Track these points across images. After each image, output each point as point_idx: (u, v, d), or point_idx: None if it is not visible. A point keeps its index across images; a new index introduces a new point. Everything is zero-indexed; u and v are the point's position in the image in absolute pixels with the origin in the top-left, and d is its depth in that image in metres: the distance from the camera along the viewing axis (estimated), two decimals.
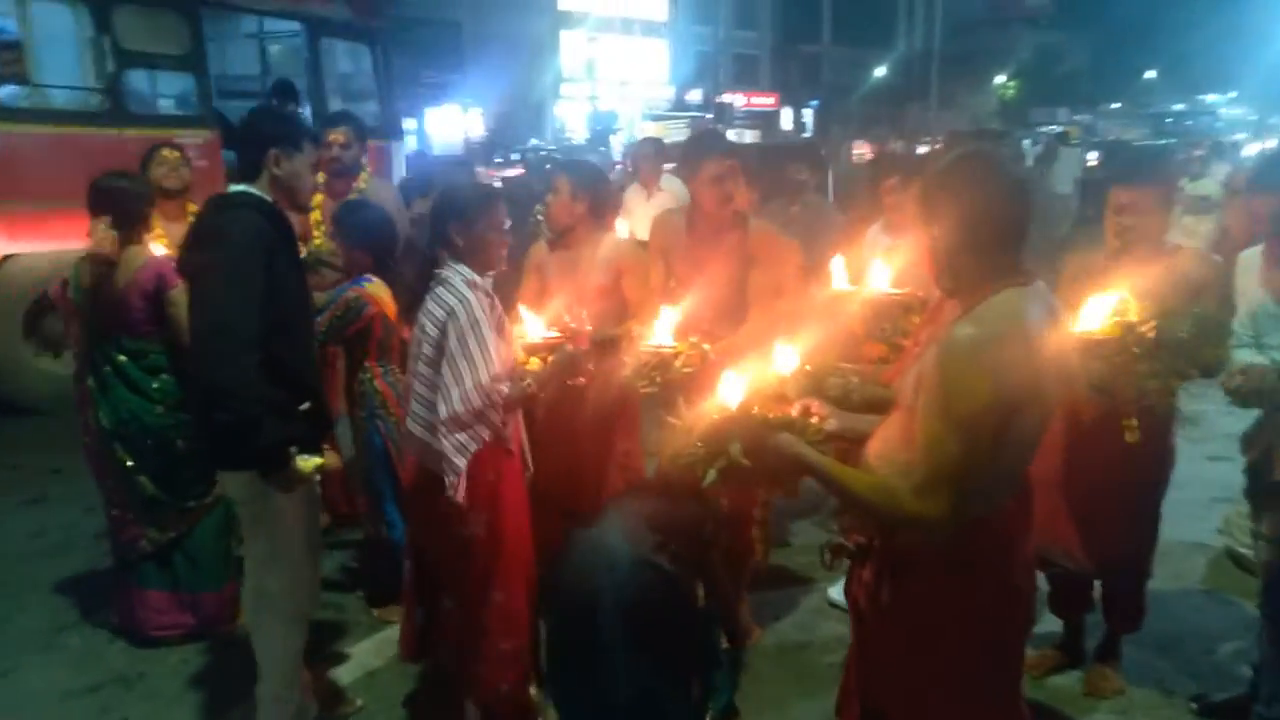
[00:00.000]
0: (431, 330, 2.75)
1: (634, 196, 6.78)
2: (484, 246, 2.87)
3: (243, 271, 2.60)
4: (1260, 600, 2.98)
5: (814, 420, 2.03)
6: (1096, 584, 3.36)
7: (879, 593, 2.03)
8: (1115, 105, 42.62)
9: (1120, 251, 2.96)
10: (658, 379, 2.95)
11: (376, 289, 3.62)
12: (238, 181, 2.79)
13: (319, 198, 4.50)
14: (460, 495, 2.73)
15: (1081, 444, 2.97)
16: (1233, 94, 42.45)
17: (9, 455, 5.99)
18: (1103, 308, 2.54)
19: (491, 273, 2.93)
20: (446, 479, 2.73)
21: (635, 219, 5.93)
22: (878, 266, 3.12)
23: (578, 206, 3.49)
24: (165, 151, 4.28)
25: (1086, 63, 48.58)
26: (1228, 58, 40.90)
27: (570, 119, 33.81)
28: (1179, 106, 33.31)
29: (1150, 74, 48.90)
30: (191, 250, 2.77)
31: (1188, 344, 2.59)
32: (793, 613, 3.96)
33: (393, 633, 3.77)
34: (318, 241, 4.41)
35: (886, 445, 1.99)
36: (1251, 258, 3.01)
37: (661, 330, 2.99)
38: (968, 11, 46.87)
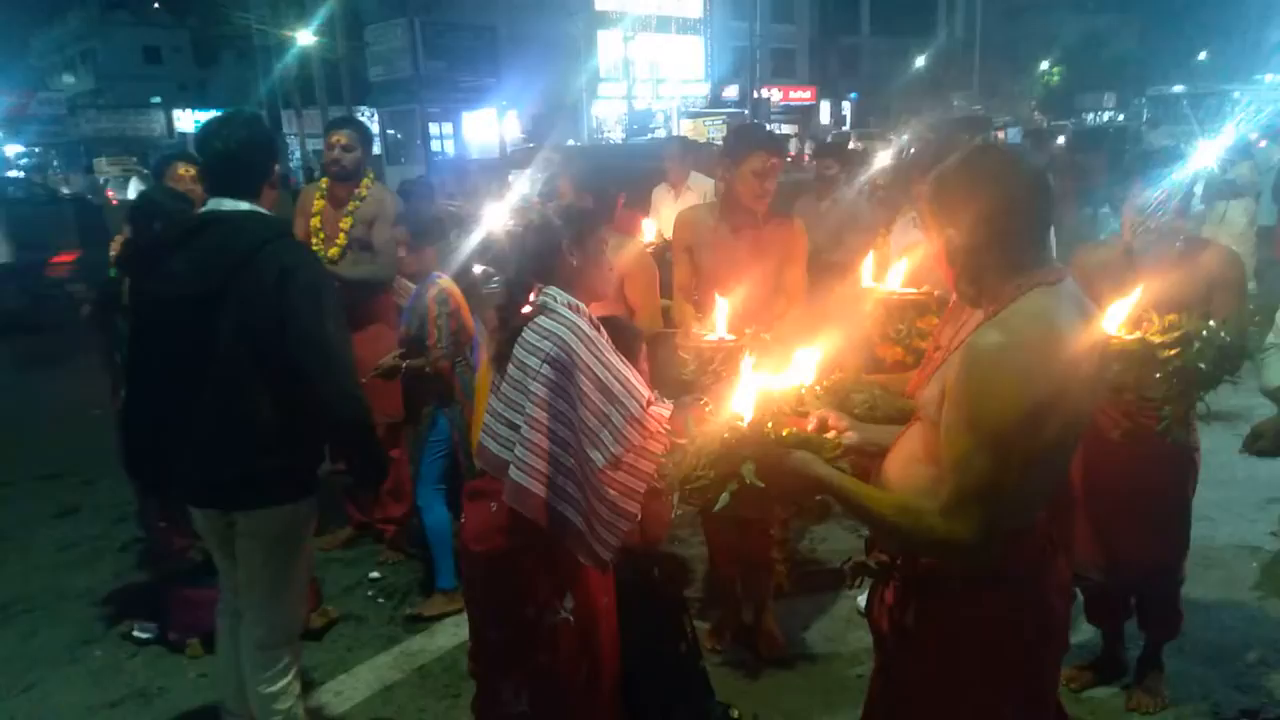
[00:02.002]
0: (538, 366, 2.28)
1: (661, 196, 6.70)
2: (598, 266, 2.51)
3: (337, 310, 2.62)
4: None
5: (831, 435, 1.92)
6: None
7: (903, 615, 1.90)
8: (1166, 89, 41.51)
9: (1140, 250, 2.83)
10: (722, 372, 2.82)
11: (449, 283, 3.59)
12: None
13: (320, 204, 4.45)
14: (606, 561, 2.32)
15: (1098, 450, 2.84)
16: None
17: (49, 465, 6.06)
18: (1123, 310, 2.40)
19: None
20: (588, 546, 2.29)
21: (662, 218, 5.83)
22: (898, 263, 3.01)
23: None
24: (181, 168, 4.15)
25: (1135, 45, 47.39)
26: None
27: (607, 118, 33.88)
28: (1178, 88, 31.89)
29: (1202, 55, 47.54)
30: (236, 278, 2.50)
31: (1207, 373, 2.47)
32: (821, 621, 3.84)
33: (410, 645, 3.75)
34: (315, 248, 4.31)
35: (906, 460, 1.88)
36: None
37: (720, 323, 2.91)
38: None
